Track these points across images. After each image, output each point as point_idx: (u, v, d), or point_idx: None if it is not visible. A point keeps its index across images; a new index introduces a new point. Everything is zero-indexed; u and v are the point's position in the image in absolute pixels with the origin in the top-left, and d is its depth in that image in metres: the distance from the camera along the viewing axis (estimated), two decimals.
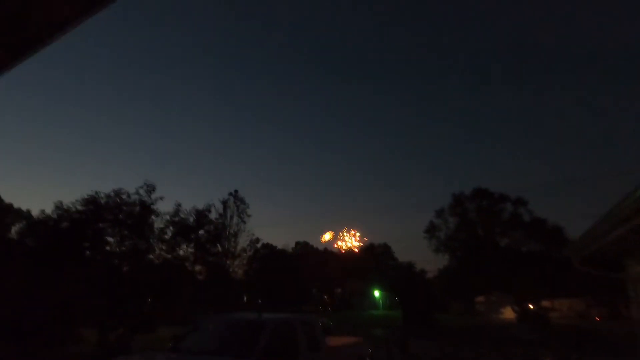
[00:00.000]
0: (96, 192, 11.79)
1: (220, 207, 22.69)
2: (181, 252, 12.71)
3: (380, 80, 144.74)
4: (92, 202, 11.59)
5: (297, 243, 62.68)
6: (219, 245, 14.50)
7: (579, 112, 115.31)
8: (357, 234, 74.80)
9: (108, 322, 11.99)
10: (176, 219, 12.13)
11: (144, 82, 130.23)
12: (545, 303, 36.37)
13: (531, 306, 35.62)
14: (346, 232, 73.75)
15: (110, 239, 12.25)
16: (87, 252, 12.55)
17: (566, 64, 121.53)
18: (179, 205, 12.40)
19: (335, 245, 70.39)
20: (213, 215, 13.69)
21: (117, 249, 12.31)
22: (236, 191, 22.28)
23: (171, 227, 12.21)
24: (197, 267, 14.56)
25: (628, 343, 18.16)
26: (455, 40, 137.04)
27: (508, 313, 38.46)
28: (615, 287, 33.67)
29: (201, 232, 12.58)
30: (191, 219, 12.39)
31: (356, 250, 69.99)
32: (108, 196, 12.25)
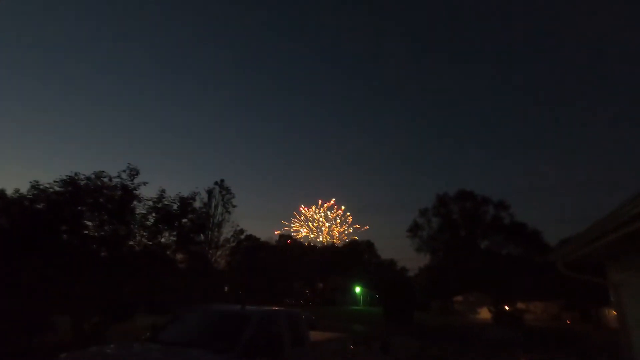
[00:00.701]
0: (75, 174, 11.28)
1: (205, 196, 22.27)
2: (163, 240, 12.36)
3: (369, 79, 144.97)
4: (70, 183, 11.07)
5: (281, 236, 62.44)
6: (202, 235, 14.11)
7: (566, 119, 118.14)
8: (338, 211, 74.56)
9: (83, 310, 11.56)
10: (159, 205, 11.75)
11: (130, 67, 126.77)
12: (520, 305, 37.35)
13: (507, 307, 36.51)
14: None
15: (88, 223, 11.77)
16: (64, 236, 12.04)
17: (549, 71, 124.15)
18: (163, 191, 11.98)
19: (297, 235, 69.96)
20: (197, 204, 13.33)
21: (96, 234, 11.83)
22: (222, 180, 21.88)
23: (153, 214, 11.83)
24: (179, 256, 14.19)
25: (598, 345, 18.92)
26: (444, 43, 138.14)
27: (484, 313, 39.34)
28: (588, 292, 34.85)
29: (185, 220, 12.24)
30: (175, 206, 12.05)
31: (339, 237, 69.88)
32: (88, 178, 11.73)
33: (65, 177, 11.26)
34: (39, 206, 11.12)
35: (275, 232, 62.14)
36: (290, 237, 60.48)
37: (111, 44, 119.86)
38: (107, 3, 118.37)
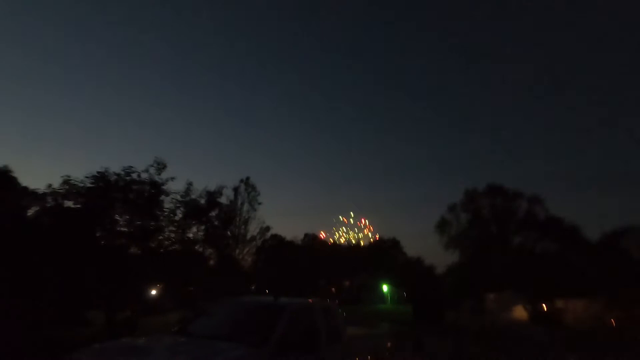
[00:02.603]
0: (105, 169, 11.41)
1: (231, 193, 22.25)
2: (191, 235, 12.32)
3: (392, 75, 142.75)
4: (101, 178, 11.20)
5: (306, 235, 62.34)
6: (231, 228, 13.97)
7: (600, 111, 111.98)
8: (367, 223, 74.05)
9: (116, 305, 11.68)
10: (187, 199, 11.70)
11: (158, 60, 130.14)
12: (558, 303, 35.36)
13: (544, 306, 34.66)
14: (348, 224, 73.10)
15: (119, 219, 11.88)
16: (97, 232, 12.21)
17: (585, 63, 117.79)
18: (190, 184, 11.94)
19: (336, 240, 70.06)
20: (223, 201, 13.23)
21: (126, 230, 11.93)
22: (248, 178, 21.81)
23: (181, 208, 11.80)
24: (208, 251, 14.14)
25: None
26: (470, 35, 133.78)
27: (519, 312, 37.59)
28: (636, 289, 32.49)
29: (212, 214, 12.13)
30: (202, 200, 11.97)
31: (366, 238, 69.34)
32: (117, 175, 11.85)
33: (96, 173, 11.39)
34: (71, 202, 11.31)
35: (321, 234, 61.93)
36: (316, 236, 60.20)
37: (139, 36, 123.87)
38: None
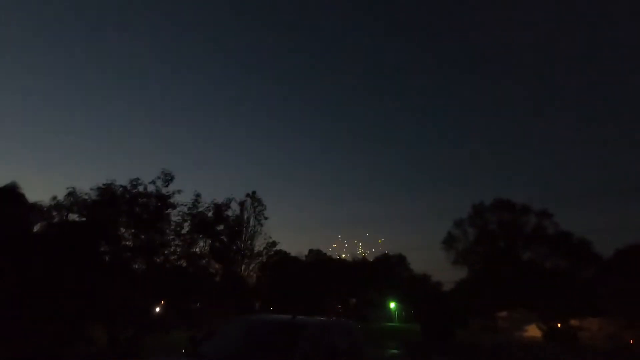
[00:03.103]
0: (111, 182, 11.16)
1: (237, 208, 21.93)
2: (197, 250, 11.95)
3: (399, 90, 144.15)
4: (107, 191, 10.94)
5: (310, 251, 61.56)
6: (237, 243, 13.58)
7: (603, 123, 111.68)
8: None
9: (119, 321, 11.21)
10: (194, 211, 11.39)
11: (163, 73, 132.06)
12: (573, 322, 34.24)
13: (559, 324, 33.54)
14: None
15: (124, 233, 11.56)
16: (101, 247, 11.87)
17: (585, 73, 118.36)
18: (198, 195, 11.62)
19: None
20: (231, 213, 12.92)
21: (132, 244, 11.59)
22: (254, 192, 21.52)
23: (188, 222, 11.47)
24: (216, 266, 13.69)
25: None
26: (473, 49, 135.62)
27: (532, 331, 36.39)
28: None
29: (221, 227, 11.78)
30: (210, 213, 11.65)
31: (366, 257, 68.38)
32: (123, 187, 11.59)
33: (101, 185, 11.14)
34: (76, 215, 11.02)
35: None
36: (321, 252, 59.36)
37: (144, 47, 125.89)
38: (144, 8, 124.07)
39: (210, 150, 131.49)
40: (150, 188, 11.51)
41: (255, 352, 4.46)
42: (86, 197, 10.95)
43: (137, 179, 11.44)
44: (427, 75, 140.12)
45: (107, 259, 11.20)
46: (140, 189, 11.72)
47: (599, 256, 40.68)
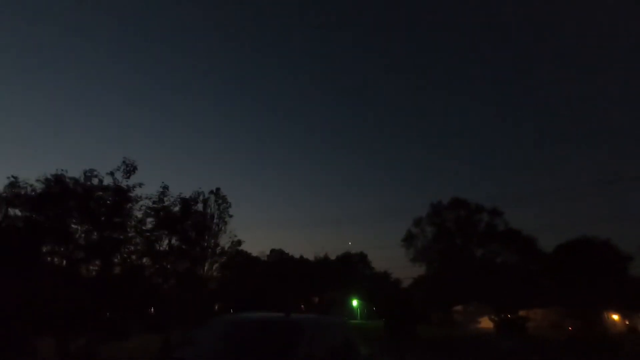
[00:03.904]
0: (62, 172, 9.88)
1: (200, 206, 20.71)
2: (161, 248, 10.96)
3: (359, 91, 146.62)
4: (57, 182, 9.67)
5: (272, 250, 60.58)
6: (207, 240, 12.70)
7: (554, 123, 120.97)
8: None
9: (69, 330, 10.00)
10: (159, 205, 10.41)
11: (129, 63, 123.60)
12: (522, 313, 36.65)
13: (509, 316, 35.73)
14: None
15: (77, 230, 10.34)
16: (46, 246, 10.54)
17: (537, 77, 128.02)
18: (166, 188, 10.62)
19: None
20: (199, 209, 12.05)
21: (85, 243, 10.39)
22: (218, 189, 20.45)
23: (152, 217, 10.47)
24: (181, 266, 12.66)
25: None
26: (434, 57, 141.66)
27: (485, 323, 38.46)
28: (588, 297, 34.41)
29: (188, 222, 10.89)
30: (176, 208, 10.74)
31: None
32: (75, 179, 10.36)
33: (49, 176, 9.84)
34: (17, 209, 9.66)
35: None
36: (283, 252, 58.65)
37: (108, 35, 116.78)
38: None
39: (170, 147, 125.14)
40: (108, 180, 10.38)
41: (250, 356, 3.96)
42: (31, 189, 9.62)
43: (92, 170, 10.28)
44: (384, 79, 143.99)
45: (54, 260, 9.94)
46: (95, 181, 10.56)
47: (543, 252, 44.05)
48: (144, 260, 10.34)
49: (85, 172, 10.24)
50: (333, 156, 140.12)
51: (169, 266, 11.64)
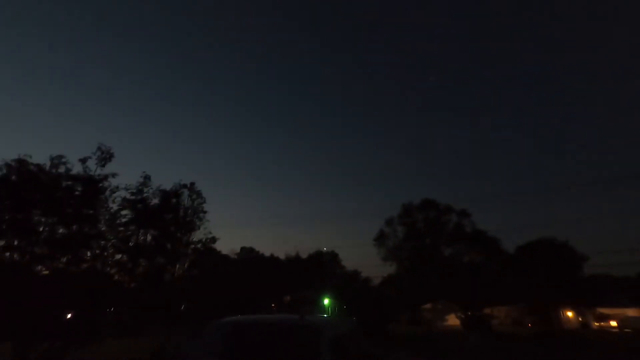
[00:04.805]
0: (23, 157, 8.75)
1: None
2: (136, 244, 10.02)
3: (334, 93, 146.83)
4: (16, 169, 8.56)
5: (242, 248, 59.31)
6: (187, 235, 11.79)
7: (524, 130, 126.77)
8: None
9: (27, 335, 8.92)
10: (139, 197, 9.49)
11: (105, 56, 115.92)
12: (486, 310, 38.10)
13: (475, 313, 37.02)
14: None
15: (39, 224, 9.24)
16: (1, 240, 9.36)
17: (514, 75, 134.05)
18: (147, 178, 9.68)
19: None
20: (183, 202, 11.21)
21: (48, 237, 9.32)
22: (192, 183, 19.40)
23: (129, 209, 9.54)
24: (158, 263, 11.72)
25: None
26: (410, 61, 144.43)
27: (452, 320, 39.64)
28: (547, 294, 36.33)
29: (168, 216, 10.04)
30: (155, 201, 9.88)
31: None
32: (38, 165, 9.26)
33: (9, 161, 8.72)
34: None
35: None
36: (253, 250, 57.57)
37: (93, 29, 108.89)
38: None
39: (145, 138, 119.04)
40: (78, 168, 9.36)
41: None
42: None
43: (60, 156, 9.22)
44: (360, 82, 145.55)
45: (13, 256, 8.82)
46: (62, 170, 9.51)
47: (506, 252, 46.19)
48: (119, 256, 9.44)
49: (52, 158, 9.18)
50: (305, 155, 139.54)
51: (143, 263, 10.72)
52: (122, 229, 9.99)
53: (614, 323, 35.47)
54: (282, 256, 57.29)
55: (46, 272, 9.94)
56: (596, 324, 37.29)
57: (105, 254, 9.57)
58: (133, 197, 9.53)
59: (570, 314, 38.22)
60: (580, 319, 37.62)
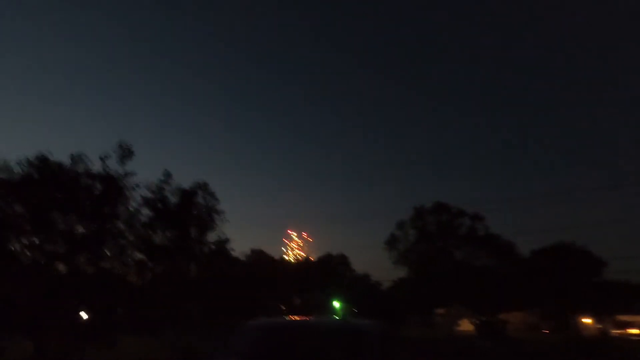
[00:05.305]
0: (45, 154, 8.67)
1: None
2: (155, 243, 9.90)
3: (341, 93, 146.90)
4: (40, 165, 8.48)
5: (253, 251, 59.22)
6: (206, 235, 11.64)
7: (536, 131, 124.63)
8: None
9: (48, 330, 8.85)
10: (159, 195, 9.37)
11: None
12: (501, 315, 37.34)
13: (490, 319, 36.33)
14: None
15: (58, 222, 9.17)
16: (22, 238, 9.33)
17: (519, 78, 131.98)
18: (168, 175, 9.52)
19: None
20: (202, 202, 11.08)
21: (69, 237, 9.24)
22: (206, 184, 19.29)
23: (148, 208, 9.41)
24: (177, 263, 11.61)
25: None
26: (422, 62, 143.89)
27: (465, 325, 38.94)
28: (563, 301, 35.44)
29: (192, 215, 9.89)
30: (173, 200, 9.73)
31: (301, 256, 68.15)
32: (60, 164, 9.19)
33: (32, 159, 8.64)
34: None
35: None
36: (263, 252, 57.48)
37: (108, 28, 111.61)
38: None
39: (155, 139, 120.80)
40: (97, 167, 9.26)
41: None
42: (7, 171, 8.39)
43: (81, 154, 9.14)
44: (368, 81, 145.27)
45: (35, 254, 8.76)
46: (80, 169, 9.42)
47: (521, 256, 45.27)
48: (140, 255, 9.32)
49: (72, 156, 9.09)
50: (314, 158, 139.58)
51: (162, 263, 10.60)
52: (141, 228, 9.87)
53: (634, 330, 34.41)
54: (291, 258, 57.13)
55: (64, 271, 9.88)
56: (615, 331, 36.22)
57: (127, 252, 9.45)
58: (152, 196, 9.41)
59: (588, 321, 37.22)
60: (598, 326, 36.59)
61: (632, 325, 34.92)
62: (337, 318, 4.93)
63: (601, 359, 18.03)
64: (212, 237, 21.18)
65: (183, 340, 9.08)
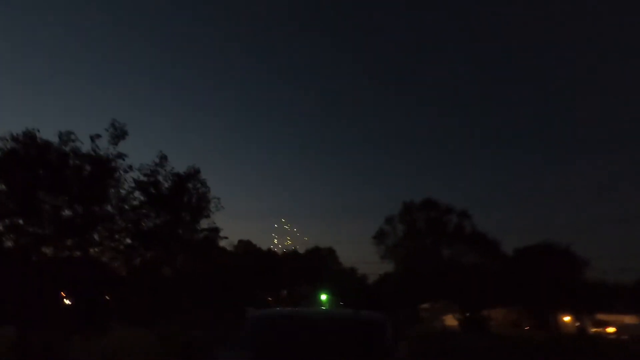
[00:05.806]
0: (32, 130, 8.18)
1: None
2: (146, 229, 9.52)
3: (331, 91, 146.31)
4: (25, 142, 8.00)
5: (240, 241, 58.71)
6: (199, 223, 11.28)
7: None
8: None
9: (29, 322, 8.43)
10: (152, 179, 8.98)
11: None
12: (485, 312, 38.04)
13: (473, 315, 36.96)
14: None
15: (45, 203, 8.72)
16: (4, 220, 8.84)
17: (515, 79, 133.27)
18: (164, 158, 9.12)
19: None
20: (195, 186, 10.73)
21: (55, 220, 8.79)
22: (198, 171, 18.84)
23: (140, 191, 9.02)
24: (171, 251, 11.23)
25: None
26: (406, 61, 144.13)
27: (449, 320, 39.56)
28: (544, 298, 36.22)
29: (181, 201, 9.55)
30: (167, 184, 9.38)
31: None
32: (47, 142, 8.71)
33: (16, 135, 8.16)
34: None
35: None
36: (251, 243, 57.13)
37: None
38: None
39: (145, 122, 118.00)
40: (87, 146, 8.82)
41: (338, 356, 3.07)
42: None
43: (70, 132, 8.67)
44: (356, 79, 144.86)
45: (18, 238, 8.30)
46: (67, 148, 8.95)
47: (505, 254, 46.13)
48: (129, 241, 8.96)
49: (60, 135, 8.62)
50: (303, 150, 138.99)
51: (153, 249, 10.23)
52: (132, 212, 9.48)
53: (610, 329, 35.47)
54: (279, 250, 56.92)
55: (49, 256, 9.44)
56: (593, 329, 37.31)
57: (116, 237, 9.06)
58: (145, 179, 9.03)
59: (567, 318, 38.22)
60: (577, 324, 37.63)
61: (610, 324, 36.01)
62: (346, 309, 4.73)
63: (575, 355, 18.45)
64: (204, 224, 20.87)
65: (175, 330, 8.81)
